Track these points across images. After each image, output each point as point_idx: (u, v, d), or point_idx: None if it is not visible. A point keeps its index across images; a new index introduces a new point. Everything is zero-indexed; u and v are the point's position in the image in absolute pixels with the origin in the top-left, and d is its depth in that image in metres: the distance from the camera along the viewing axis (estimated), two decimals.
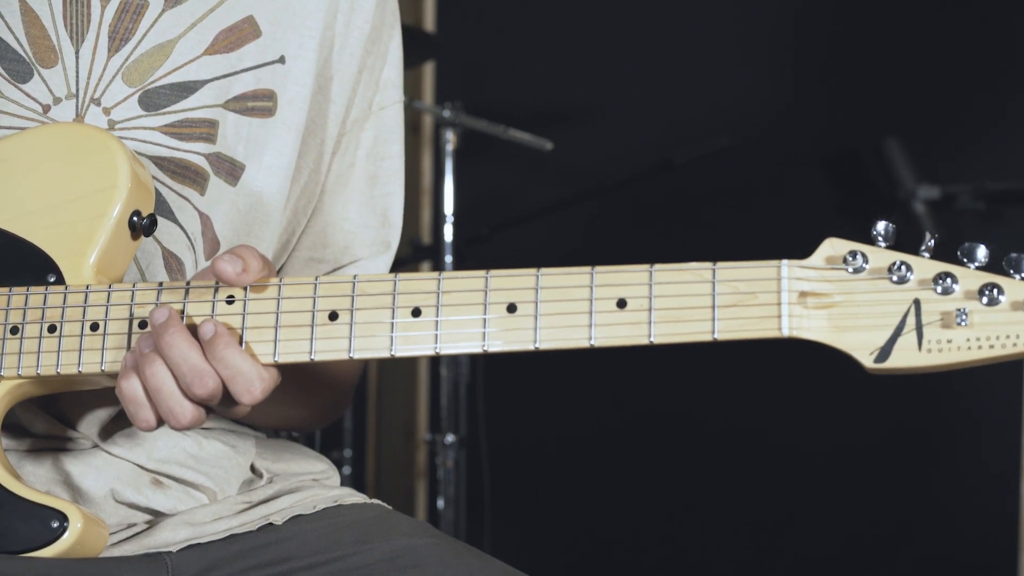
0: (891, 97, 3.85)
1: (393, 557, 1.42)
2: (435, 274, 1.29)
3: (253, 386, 1.29)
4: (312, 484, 1.62)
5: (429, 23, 4.43)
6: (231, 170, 1.54)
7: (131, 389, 1.31)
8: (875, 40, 3.90)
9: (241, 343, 1.32)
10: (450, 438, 3.63)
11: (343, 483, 1.69)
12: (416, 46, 3.74)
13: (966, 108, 3.76)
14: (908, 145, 3.67)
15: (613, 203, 4.03)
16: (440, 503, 3.62)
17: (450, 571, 1.41)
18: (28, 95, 1.49)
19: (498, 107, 3.95)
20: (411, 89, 4.38)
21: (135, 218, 1.41)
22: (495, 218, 3.71)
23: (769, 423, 3.95)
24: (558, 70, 4.23)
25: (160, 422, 1.32)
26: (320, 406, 1.69)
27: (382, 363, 4.54)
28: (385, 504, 1.60)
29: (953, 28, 3.80)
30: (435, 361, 4.23)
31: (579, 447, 4.16)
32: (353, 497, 1.59)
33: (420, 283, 1.30)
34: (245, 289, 1.33)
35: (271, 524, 1.51)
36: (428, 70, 4.42)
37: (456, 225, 3.62)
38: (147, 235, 1.42)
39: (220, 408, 1.33)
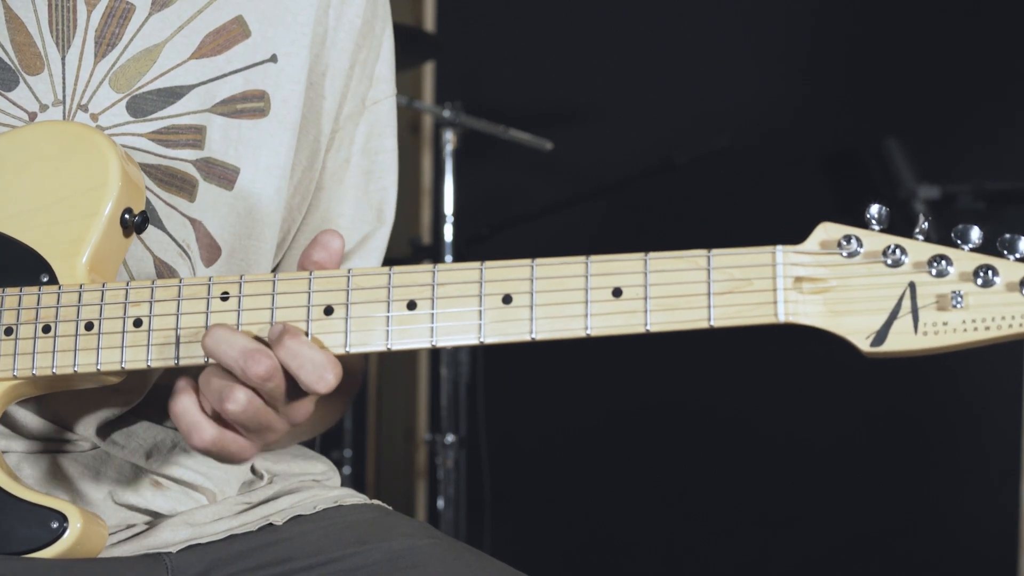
0: (891, 97, 3.85)
1: (393, 558, 1.42)
2: (430, 266, 1.29)
3: (326, 372, 1.25)
4: (312, 485, 1.61)
5: (429, 23, 4.43)
6: (223, 174, 1.53)
7: (182, 409, 1.28)
8: (876, 40, 3.91)
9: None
10: (450, 438, 3.62)
11: (343, 483, 1.69)
12: (416, 46, 3.74)
13: (966, 108, 3.76)
14: (908, 145, 3.67)
15: (613, 203, 4.03)
16: (440, 503, 3.62)
17: (450, 571, 1.41)
18: (14, 103, 1.48)
19: (498, 107, 3.95)
20: (411, 89, 4.38)
21: (127, 216, 1.40)
22: (495, 218, 3.72)
23: (770, 422, 3.95)
24: (558, 70, 4.23)
25: (216, 439, 1.28)
26: (339, 411, 1.68)
27: (382, 363, 4.55)
28: (385, 505, 1.60)
29: (953, 28, 3.81)
30: (435, 361, 4.23)
31: (579, 447, 4.16)
32: (353, 498, 1.59)
33: (415, 276, 1.29)
34: (239, 285, 1.33)
35: (271, 524, 1.51)
36: (428, 70, 4.42)
37: (456, 225, 3.62)
38: (139, 232, 1.42)
39: (282, 406, 1.29)
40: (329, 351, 1.28)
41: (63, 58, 1.49)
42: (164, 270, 1.51)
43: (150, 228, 1.49)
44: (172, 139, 1.51)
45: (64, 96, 1.48)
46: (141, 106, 1.50)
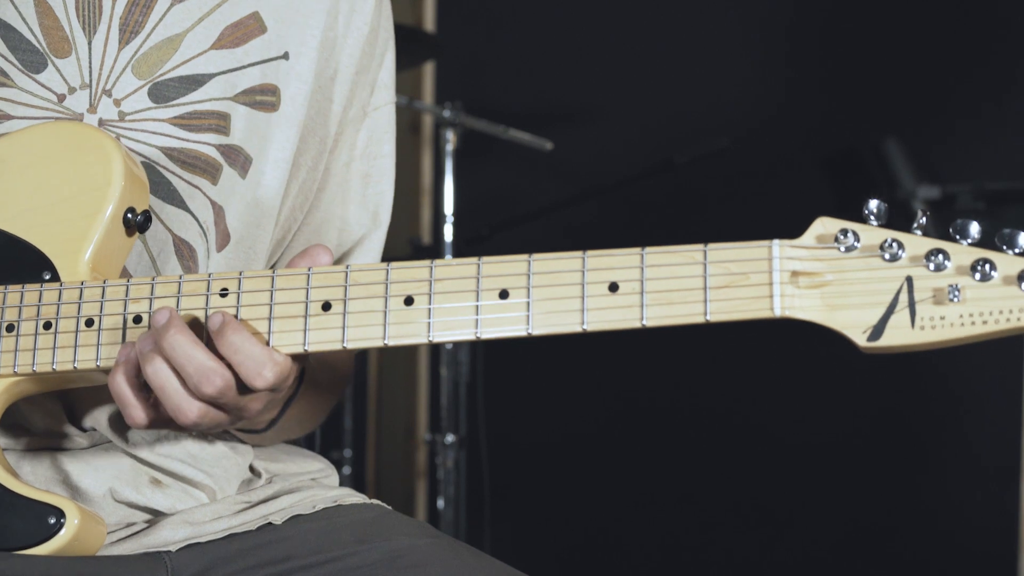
0: (891, 97, 3.85)
1: (393, 557, 1.43)
2: (427, 262, 1.29)
3: (264, 369, 1.28)
4: (311, 484, 1.62)
5: (429, 23, 4.44)
6: (243, 163, 1.55)
7: (117, 386, 1.32)
8: (875, 40, 3.91)
9: None
10: (450, 438, 3.62)
11: (343, 483, 1.69)
12: (416, 46, 3.74)
13: (966, 108, 3.76)
14: (908, 145, 3.67)
15: (613, 203, 4.02)
16: (440, 503, 3.62)
17: (450, 571, 1.42)
18: (43, 85, 1.50)
19: (498, 107, 3.95)
20: (411, 89, 4.38)
21: (129, 215, 1.42)
22: (495, 218, 3.71)
23: (769, 421, 3.95)
24: (558, 70, 4.24)
25: (152, 420, 1.32)
26: (323, 410, 1.69)
27: (382, 363, 4.55)
28: (384, 504, 1.61)
29: (953, 28, 3.81)
30: (435, 361, 4.23)
31: (579, 447, 4.16)
32: (352, 497, 1.60)
33: (413, 271, 1.30)
34: (239, 281, 1.33)
35: (270, 524, 1.52)
36: (428, 70, 4.43)
37: (456, 225, 3.62)
38: (141, 232, 1.43)
39: (233, 408, 1.32)
40: (269, 348, 1.30)
41: (89, 43, 1.52)
42: (184, 248, 1.52)
43: (171, 208, 1.51)
44: (195, 123, 1.53)
45: (91, 80, 1.51)
46: (163, 92, 1.53)
